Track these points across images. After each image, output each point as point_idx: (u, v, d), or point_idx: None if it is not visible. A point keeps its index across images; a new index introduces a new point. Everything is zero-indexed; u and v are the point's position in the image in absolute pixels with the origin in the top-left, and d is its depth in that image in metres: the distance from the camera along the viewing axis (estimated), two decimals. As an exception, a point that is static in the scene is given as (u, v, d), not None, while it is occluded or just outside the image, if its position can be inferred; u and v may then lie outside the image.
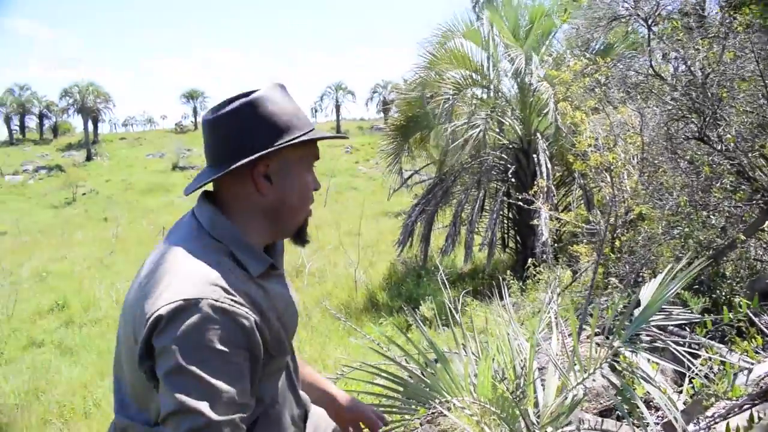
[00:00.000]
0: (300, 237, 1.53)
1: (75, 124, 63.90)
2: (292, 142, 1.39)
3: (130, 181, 42.44)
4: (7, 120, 61.04)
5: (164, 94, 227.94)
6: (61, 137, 61.93)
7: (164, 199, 34.59)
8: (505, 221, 11.14)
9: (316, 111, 68.61)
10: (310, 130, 1.45)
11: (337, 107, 65.42)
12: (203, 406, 1.13)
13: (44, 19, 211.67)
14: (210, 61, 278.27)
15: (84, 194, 39.44)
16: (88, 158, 52.08)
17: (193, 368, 1.15)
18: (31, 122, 63.99)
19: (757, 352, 2.79)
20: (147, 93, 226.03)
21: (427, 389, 1.89)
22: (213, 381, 1.15)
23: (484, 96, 11.14)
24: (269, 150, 1.36)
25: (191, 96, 68.67)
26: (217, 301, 1.20)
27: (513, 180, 10.33)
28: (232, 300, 1.23)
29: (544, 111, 9.27)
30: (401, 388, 1.98)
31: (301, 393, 1.61)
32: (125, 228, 22.45)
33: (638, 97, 4.84)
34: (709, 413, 2.39)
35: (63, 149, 56.03)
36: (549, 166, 9.08)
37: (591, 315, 3.91)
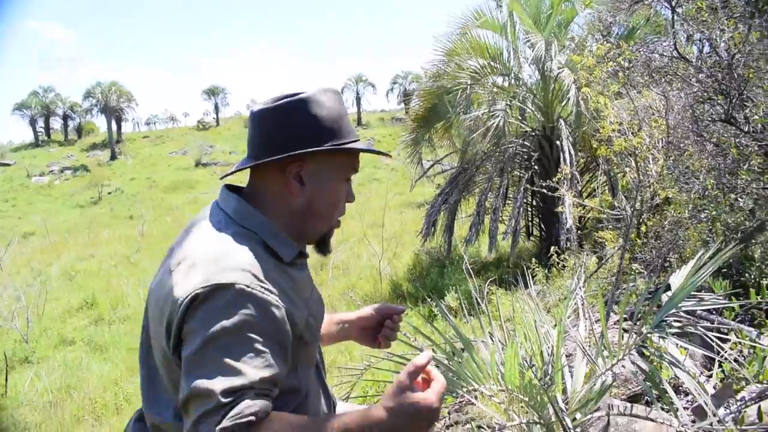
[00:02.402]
0: (321, 246, 1.53)
1: (99, 124, 64.71)
2: (327, 148, 1.38)
3: (154, 179, 42.89)
4: (33, 122, 61.81)
5: (186, 91, 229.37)
6: (85, 137, 62.71)
7: (188, 195, 34.88)
8: (529, 209, 11.06)
9: (336, 104, 68.51)
10: (353, 141, 1.44)
11: (358, 99, 65.69)
12: (216, 388, 1.10)
13: (67, 21, 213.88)
14: (232, 57, 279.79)
15: (109, 193, 39.98)
16: (113, 157, 52.76)
17: (214, 352, 1.14)
18: (56, 123, 64.89)
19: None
20: (169, 91, 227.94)
21: (455, 378, 1.89)
22: (232, 364, 1.13)
23: (505, 84, 11.06)
24: (301, 152, 1.36)
25: (212, 92, 69.32)
26: (248, 287, 1.20)
27: (536, 167, 10.25)
28: (262, 287, 1.22)
29: (567, 97, 9.19)
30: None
31: (329, 386, 1.61)
32: (150, 225, 22.66)
33: (662, 81, 4.78)
34: (739, 397, 2.37)
35: (87, 149, 56.79)
36: (572, 152, 8.99)
37: (617, 302, 3.89)
